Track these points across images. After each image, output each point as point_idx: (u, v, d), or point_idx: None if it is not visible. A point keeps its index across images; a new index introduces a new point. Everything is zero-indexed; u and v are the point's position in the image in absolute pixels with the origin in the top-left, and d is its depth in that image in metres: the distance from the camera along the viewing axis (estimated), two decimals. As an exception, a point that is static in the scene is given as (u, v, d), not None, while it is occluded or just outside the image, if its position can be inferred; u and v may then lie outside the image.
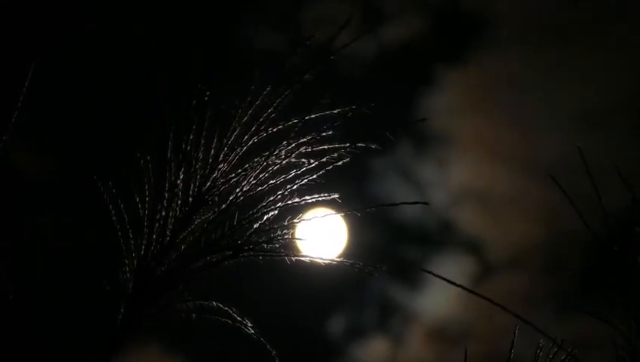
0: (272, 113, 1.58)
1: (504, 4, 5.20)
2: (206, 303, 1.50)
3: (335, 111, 1.57)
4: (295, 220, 1.54)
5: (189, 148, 1.55)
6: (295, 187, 1.56)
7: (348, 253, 1.55)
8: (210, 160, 1.56)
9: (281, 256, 1.53)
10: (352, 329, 5.08)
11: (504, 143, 5.24)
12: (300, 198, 1.55)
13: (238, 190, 1.56)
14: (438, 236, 5.21)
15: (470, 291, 1.39)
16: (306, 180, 1.56)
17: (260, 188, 1.56)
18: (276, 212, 1.54)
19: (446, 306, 5.05)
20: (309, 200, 1.56)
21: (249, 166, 1.56)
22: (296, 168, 1.57)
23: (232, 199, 1.55)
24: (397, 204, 1.57)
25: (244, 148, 1.57)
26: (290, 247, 1.54)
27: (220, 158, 1.57)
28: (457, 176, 5.24)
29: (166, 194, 1.53)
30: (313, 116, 1.57)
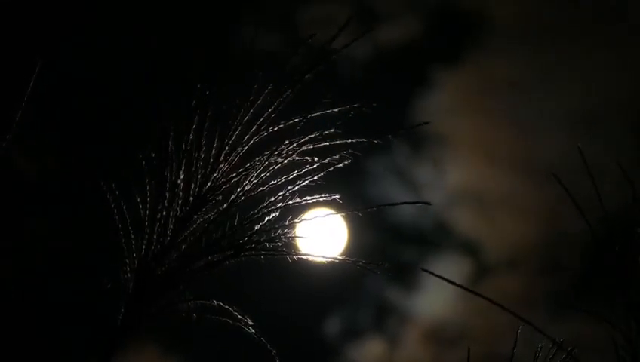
0: (272, 113, 1.58)
1: (502, 5, 5.21)
2: (207, 302, 1.50)
3: (336, 110, 1.57)
4: (296, 220, 1.54)
5: (189, 147, 1.55)
6: (296, 188, 1.56)
7: (348, 253, 1.55)
8: (211, 159, 1.56)
9: (282, 254, 1.53)
10: (349, 330, 5.08)
11: (500, 144, 5.24)
12: (300, 198, 1.55)
13: (239, 190, 1.56)
14: (434, 237, 5.21)
15: (471, 291, 1.39)
16: (307, 181, 1.56)
17: (261, 188, 1.56)
18: (277, 213, 1.54)
19: (442, 307, 5.05)
20: (310, 201, 1.56)
21: (250, 165, 1.56)
22: (297, 169, 1.57)
23: (233, 199, 1.56)
24: (399, 204, 1.58)
25: (245, 147, 1.57)
26: (291, 247, 1.54)
27: (221, 158, 1.57)
28: (454, 176, 5.24)
29: (167, 194, 1.53)
30: (314, 115, 1.58)
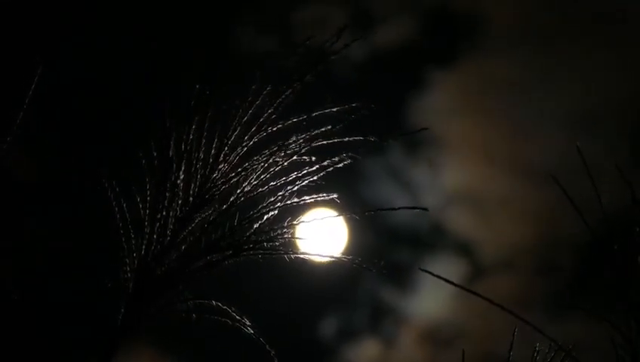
0: (272, 113, 1.58)
1: (501, 5, 5.21)
2: (206, 302, 1.51)
3: (334, 110, 1.58)
4: (295, 221, 1.55)
5: (189, 148, 1.55)
6: (295, 187, 1.56)
7: (348, 254, 1.55)
8: (211, 160, 1.57)
9: (280, 254, 1.54)
10: (344, 331, 5.08)
11: (496, 145, 5.24)
12: (299, 199, 1.56)
13: (238, 190, 1.56)
14: (429, 238, 5.21)
15: (471, 291, 1.39)
16: (306, 181, 1.56)
17: (260, 188, 1.57)
18: (276, 212, 1.55)
19: (438, 308, 5.05)
20: (309, 201, 1.56)
21: (249, 166, 1.57)
22: (296, 169, 1.57)
23: (233, 199, 1.56)
24: (397, 209, 1.57)
25: (245, 148, 1.58)
26: (289, 247, 1.54)
27: (221, 158, 1.57)
28: (449, 178, 5.24)
29: (167, 194, 1.54)
30: (313, 115, 1.58)
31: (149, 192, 1.54)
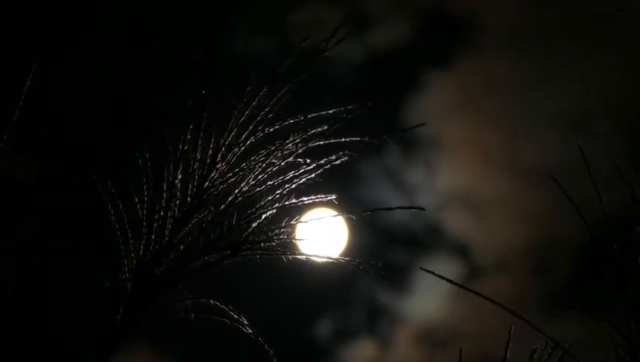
0: (269, 113, 1.58)
1: (500, 5, 5.20)
2: (204, 301, 1.51)
3: (331, 112, 1.58)
4: (293, 221, 1.55)
5: (186, 148, 1.55)
6: (293, 186, 1.56)
7: (347, 254, 1.56)
8: (208, 160, 1.57)
9: (278, 254, 1.54)
10: (340, 332, 5.07)
11: (493, 146, 5.23)
12: (297, 199, 1.56)
13: (236, 190, 1.56)
14: (425, 239, 5.20)
15: (471, 291, 1.39)
16: (304, 179, 1.56)
17: (258, 188, 1.57)
18: (274, 211, 1.55)
19: (434, 309, 5.04)
20: (307, 201, 1.56)
21: (246, 166, 1.56)
22: (293, 169, 1.57)
23: (231, 199, 1.56)
24: (393, 209, 1.57)
25: (242, 148, 1.58)
26: (287, 247, 1.54)
27: (218, 158, 1.57)
28: (446, 178, 5.23)
29: (164, 195, 1.54)
30: (309, 116, 1.58)
31: (146, 193, 1.54)
